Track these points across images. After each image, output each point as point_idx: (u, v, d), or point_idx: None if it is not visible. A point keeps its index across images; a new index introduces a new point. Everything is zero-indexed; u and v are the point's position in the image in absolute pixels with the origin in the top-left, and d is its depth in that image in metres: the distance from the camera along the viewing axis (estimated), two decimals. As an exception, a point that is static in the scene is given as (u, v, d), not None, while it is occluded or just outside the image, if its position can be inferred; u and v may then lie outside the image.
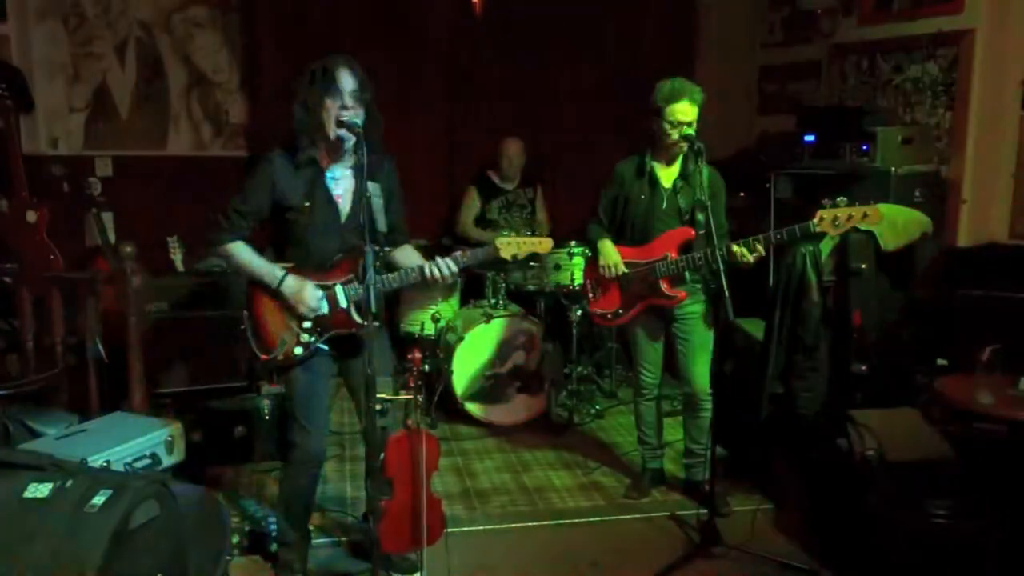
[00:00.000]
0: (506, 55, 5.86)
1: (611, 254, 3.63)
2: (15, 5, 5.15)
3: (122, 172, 5.46)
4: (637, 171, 3.60)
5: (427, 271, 2.92)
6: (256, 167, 2.92)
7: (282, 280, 2.85)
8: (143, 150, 5.53)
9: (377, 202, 2.85)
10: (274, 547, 3.20)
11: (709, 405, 3.59)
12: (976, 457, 3.11)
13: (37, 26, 5.22)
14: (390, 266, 3.08)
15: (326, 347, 2.94)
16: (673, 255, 3.48)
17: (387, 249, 3.03)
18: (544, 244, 3.03)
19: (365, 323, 2.62)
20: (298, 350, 2.89)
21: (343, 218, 2.92)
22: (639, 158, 3.61)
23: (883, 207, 3.18)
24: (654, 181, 3.56)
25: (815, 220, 3.12)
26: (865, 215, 3.09)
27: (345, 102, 2.75)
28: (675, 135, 3.42)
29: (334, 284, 2.90)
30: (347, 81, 2.76)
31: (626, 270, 3.59)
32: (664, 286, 3.52)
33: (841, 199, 3.12)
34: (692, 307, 3.60)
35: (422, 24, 5.72)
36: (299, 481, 3.05)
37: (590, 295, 3.80)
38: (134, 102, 5.50)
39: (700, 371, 3.61)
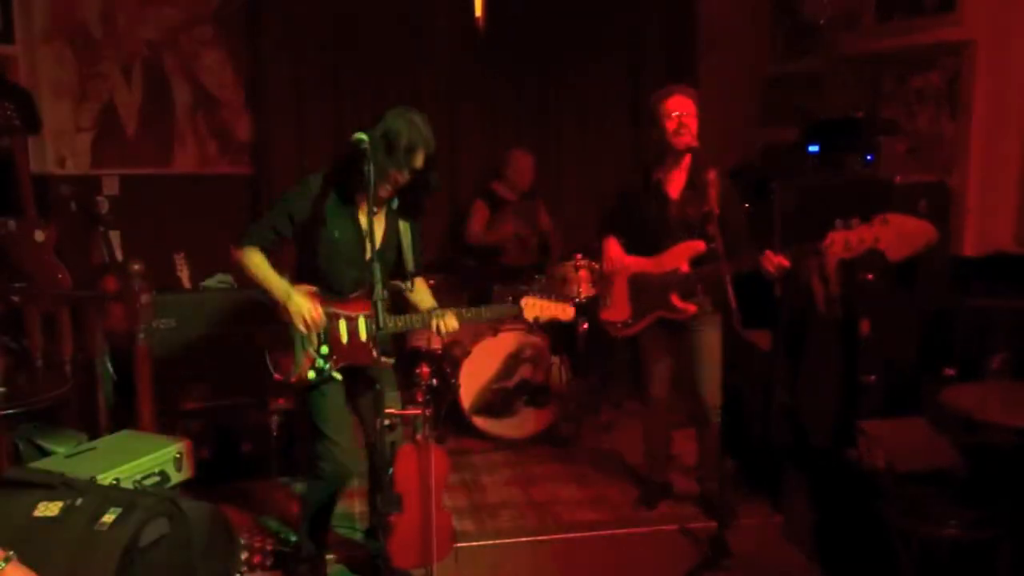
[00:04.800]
0: (508, 70, 5.89)
1: (612, 247, 3.67)
2: (22, 27, 5.19)
3: (129, 190, 5.49)
4: (644, 184, 3.61)
5: (434, 325, 2.98)
6: (295, 187, 2.97)
7: (290, 296, 2.87)
8: (150, 168, 5.56)
9: (407, 241, 2.97)
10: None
11: (718, 418, 3.58)
12: (986, 467, 3.10)
13: (44, 47, 5.26)
14: (405, 303, 3.14)
15: (339, 376, 2.95)
16: (683, 269, 3.47)
17: (408, 285, 3.08)
18: (567, 312, 3.10)
19: (381, 359, 2.64)
20: (311, 374, 2.91)
21: (369, 252, 2.94)
22: (647, 171, 3.62)
23: (889, 217, 3.17)
24: (662, 193, 3.56)
25: (827, 243, 3.08)
26: (877, 239, 3.04)
27: (407, 177, 2.85)
28: (672, 125, 3.40)
29: (358, 316, 2.92)
30: (420, 160, 2.84)
31: (627, 265, 3.61)
32: (674, 300, 3.50)
33: (855, 220, 3.10)
34: (703, 319, 3.59)
35: (425, 40, 5.75)
36: (326, 496, 3.06)
37: (602, 303, 3.80)
38: (140, 121, 5.53)
39: (710, 384, 3.59)
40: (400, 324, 2.94)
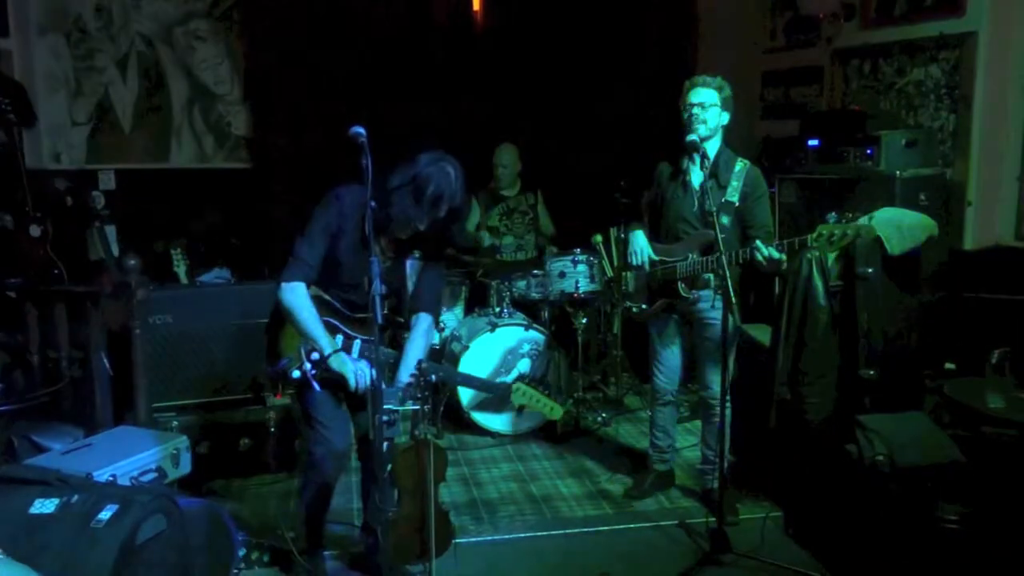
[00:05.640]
0: (505, 65, 5.86)
1: (638, 239, 3.68)
2: (17, 20, 5.17)
3: (125, 185, 5.47)
4: (673, 172, 3.65)
5: (401, 379, 2.92)
6: (329, 207, 2.92)
7: (336, 352, 2.87)
8: (146, 163, 5.54)
9: (411, 282, 2.98)
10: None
11: (721, 412, 3.56)
12: (987, 461, 3.09)
13: (39, 41, 5.24)
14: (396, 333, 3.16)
15: (318, 387, 2.93)
16: (696, 256, 3.49)
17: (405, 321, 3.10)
18: (554, 411, 3.17)
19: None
20: (295, 374, 2.92)
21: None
22: (676, 161, 3.64)
23: (889, 211, 3.18)
24: (687, 182, 3.59)
25: (814, 235, 3.12)
26: (859, 234, 3.08)
27: (425, 224, 2.83)
28: (684, 115, 3.47)
29: (356, 337, 2.95)
30: (443, 211, 2.82)
31: (652, 255, 3.63)
32: (683, 286, 3.53)
33: (847, 214, 3.13)
34: (713, 312, 3.58)
35: (424, 35, 5.73)
36: (322, 482, 3.04)
37: (625, 288, 3.82)
38: (136, 115, 5.51)
39: (713, 377, 3.60)
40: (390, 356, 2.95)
